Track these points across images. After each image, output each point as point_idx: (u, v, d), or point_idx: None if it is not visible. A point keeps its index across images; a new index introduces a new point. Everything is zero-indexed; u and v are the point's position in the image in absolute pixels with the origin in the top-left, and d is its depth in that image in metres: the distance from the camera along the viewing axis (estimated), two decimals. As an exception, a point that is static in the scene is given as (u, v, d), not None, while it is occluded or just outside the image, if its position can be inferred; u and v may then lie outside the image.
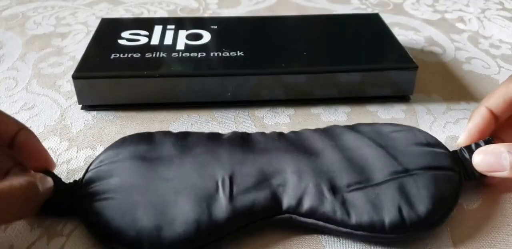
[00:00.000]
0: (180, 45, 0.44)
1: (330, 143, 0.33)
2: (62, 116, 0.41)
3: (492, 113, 0.34)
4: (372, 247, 0.30)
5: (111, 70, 0.41)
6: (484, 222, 0.32)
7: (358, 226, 0.29)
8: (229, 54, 0.43)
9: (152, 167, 0.31)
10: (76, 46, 0.53)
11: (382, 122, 0.38)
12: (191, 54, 0.43)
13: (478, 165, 0.32)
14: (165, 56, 0.43)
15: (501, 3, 0.66)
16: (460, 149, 0.33)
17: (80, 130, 0.40)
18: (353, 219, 0.29)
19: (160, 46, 0.44)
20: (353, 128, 0.35)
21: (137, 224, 0.28)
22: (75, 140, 0.39)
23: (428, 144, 0.33)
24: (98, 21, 0.49)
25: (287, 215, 0.30)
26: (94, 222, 0.29)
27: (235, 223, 0.29)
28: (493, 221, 0.32)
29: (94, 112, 0.42)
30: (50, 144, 0.38)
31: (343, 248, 0.30)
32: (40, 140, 0.38)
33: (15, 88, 0.45)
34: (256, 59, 0.42)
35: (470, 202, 0.33)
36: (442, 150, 0.33)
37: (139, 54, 0.43)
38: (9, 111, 0.42)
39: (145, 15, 0.61)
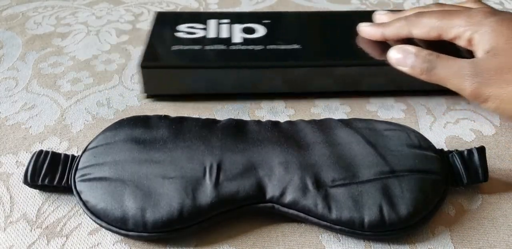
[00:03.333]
0: (237, 38, 0.45)
1: (322, 137, 0.34)
2: (62, 116, 0.41)
3: None
4: (372, 247, 0.30)
5: (177, 61, 0.42)
6: (485, 223, 0.32)
7: (338, 221, 0.29)
8: (285, 47, 0.44)
9: (145, 149, 0.32)
10: (76, 46, 0.53)
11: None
12: (249, 47, 0.44)
13: (390, 57, 0.40)
14: (225, 48, 0.44)
15: (501, 3, 0.66)
16: (452, 154, 0.33)
17: (80, 130, 0.40)
18: (334, 214, 0.29)
19: (218, 39, 0.45)
20: (348, 123, 0.35)
21: (124, 204, 0.29)
22: (75, 140, 0.39)
23: (420, 147, 0.33)
24: (98, 21, 0.49)
25: (269, 204, 0.30)
26: (84, 199, 0.30)
27: (218, 209, 0.30)
28: (493, 221, 0.32)
29: (94, 113, 0.42)
30: (50, 144, 0.38)
31: (343, 248, 0.30)
32: (40, 140, 0.38)
33: (15, 88, 0.45)
34: (311, 52, 0.43)
35: (470, 202, 0.33)
36: (432, 154, 0.33)
37: (200, 46, 0.44)
38: (9, 111, 0.42)
39: (145, 15, 0.61)
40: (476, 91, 0.35)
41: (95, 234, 0.31)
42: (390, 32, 0.42)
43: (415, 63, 0.38)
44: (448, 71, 0.36)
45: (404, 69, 0.39)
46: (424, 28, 0.40)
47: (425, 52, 0.38)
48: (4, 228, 0.31)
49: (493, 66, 0.35)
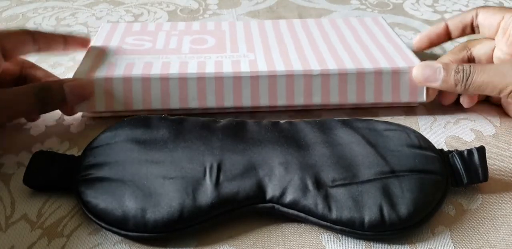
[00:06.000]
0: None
1: (322, 137, 0.34)
2: (62, 116, 0.41)
3: (447, 27, 0.44)
4: (372, 247, 0.30)
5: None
6: (485, 222, 0.32)
7: (338, 221, 0.29)
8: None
9: (146, 150, 0.32)
10: (76, 47, 0.53)
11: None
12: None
13: (416, 76, 0.40)
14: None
15: (501, 3, 0.66)
16: (452, 155, 0.33)
17: (80, 131, 0.40)
18: (334, 214, 0.29)
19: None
20: (348, 123, 0.35)
21: (124, 205, 0.29)
22: (76, 140, 0.39)
23: (420, 147, 0.33)
24: (98, 21, 0.50)
25: (270, 204, 0.30)
26: (85, 200, 0.30)
27: (219, 209, 0.30)
28: (493, 221, 0.32)
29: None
30: (51, 145, 0.38)
31: (344, 248, 0.30)
32: (41, 140, 0.38)
33: (15, 89, 0.45)
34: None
35: (470, 202, 0.33)
36: (432, 154, 0.33)
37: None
38: (10, 112, 0.42)
39: (145, 16, 0.61)
40: None
41: (95, 235, 0.31)
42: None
43: (447, 76, 0.38)
44: (488, 74, 0.37)
45: (435, 84, 0.39)
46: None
47: (454, 64, 0.38)
48: (5, 229, 0.31)
49: None
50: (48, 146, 0.38)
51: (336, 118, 0.36)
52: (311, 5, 0.64)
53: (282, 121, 0.36)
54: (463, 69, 0.37)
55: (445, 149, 0.35)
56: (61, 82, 0.38)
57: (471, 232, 0.31)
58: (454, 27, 0.43)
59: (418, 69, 0.39)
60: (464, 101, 0.42)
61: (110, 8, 0.63)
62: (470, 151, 0.33)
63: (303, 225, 0.31)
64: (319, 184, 0.30)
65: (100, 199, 0.30)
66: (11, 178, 0.35)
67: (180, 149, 0.32)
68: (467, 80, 0.37)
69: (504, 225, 0.31)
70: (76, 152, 0.37)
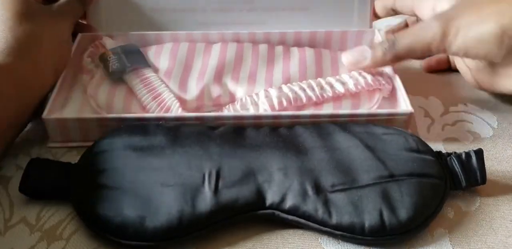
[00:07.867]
0: None
1: (320, 142, 0.34)
2: (61, 119, 0.41)
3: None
4: (371, 250, 0.30)
5: None
6: (483, 224, 0.32)
7: (338, 226, 0.29)
8: None
9: (143, 157, 0.32)
10: (74, 49, 0.52)
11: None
12: None
13: (347, 60, 0.40)
14: None
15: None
16: (450, 158, 0.33)
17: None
18: (334, 219, 0.29)
19: None
20: (346, 127, 0.35)
21: (123, 212, 0.29)
22: (74, 143, 0.38)
23: (418, 150, 0.33)
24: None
25: (270, 210, 0.30)
26: (83, 208, 0.30)
27: (218, 216, 0.30)
28: (491, 223, 0.32)
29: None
30: (50, 148, 0.38)
31: (343, 250, 0.30)
32: (40, 143, 0.38)
33: (13, 91, 0.45)
34: None
35: (468, 204, 0.33)
36: (430, 157, 0.33)
37: None
38: (8, 114, 0.42)
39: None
40: (445, 27, 0.35)
41: (95, 237, 0.30)
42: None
43: (374, 51, 0.39)
44: (409, 33, 0.38)
45: (365, 63, 0.39)
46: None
47: (378, 41, 0.40)
48: (4, 232, 0.31)
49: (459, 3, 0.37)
50: (46, 149, 0.38)
51: (334, 123, 0.36)
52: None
53: (280, 127, 0.36)
54: (387, 39, 0.38)
55: (443, 151, 0.35)
56: None
57: (469, 234, 0.31)
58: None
59: (346, 55, 0.40)
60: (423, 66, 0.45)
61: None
62: (468, 154, 0.33)
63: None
64: (318, 189, 0.30)
65: (97, 207, 0.29)
66: (10, 181, 0.35)
67: (178, 156, 0.32)
68: (393, 45, 0.37)
69: (502, 227, 0.32)
70: (75, 155, 0.37)
